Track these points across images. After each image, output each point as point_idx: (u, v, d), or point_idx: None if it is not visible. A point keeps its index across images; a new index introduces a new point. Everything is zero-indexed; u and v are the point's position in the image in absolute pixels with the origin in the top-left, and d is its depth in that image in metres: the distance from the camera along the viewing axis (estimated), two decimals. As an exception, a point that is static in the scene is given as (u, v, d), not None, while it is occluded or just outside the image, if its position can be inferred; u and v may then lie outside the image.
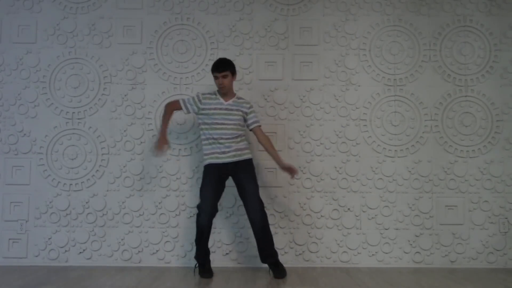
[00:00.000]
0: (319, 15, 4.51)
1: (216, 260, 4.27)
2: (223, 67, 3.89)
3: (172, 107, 3.95)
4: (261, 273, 3.99)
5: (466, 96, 4.45)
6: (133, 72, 4.45)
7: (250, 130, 4.01)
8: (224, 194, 4.33)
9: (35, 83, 4.44)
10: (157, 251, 4.32)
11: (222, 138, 3.86)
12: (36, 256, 4.31)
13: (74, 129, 4.42)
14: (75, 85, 4.45)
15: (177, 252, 4.31)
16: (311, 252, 4.32)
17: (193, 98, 3.93)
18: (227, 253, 4.29)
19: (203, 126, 3.92)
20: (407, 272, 4.10)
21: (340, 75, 4.46)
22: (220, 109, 3.89)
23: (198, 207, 3.88)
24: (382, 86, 4.46)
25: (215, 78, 3.91)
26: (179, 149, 4.40)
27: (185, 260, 4.30)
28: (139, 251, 4.32)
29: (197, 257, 3.93)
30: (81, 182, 4.38)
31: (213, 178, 3.87)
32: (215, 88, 4.04)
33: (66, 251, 4.32)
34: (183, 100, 3.94)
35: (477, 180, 4.38)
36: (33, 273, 3.96)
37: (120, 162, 4.38)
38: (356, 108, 4.44)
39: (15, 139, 4.40)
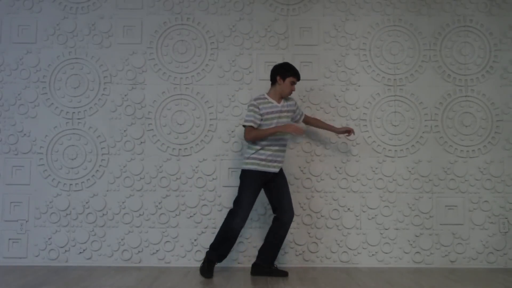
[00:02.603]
0: (319, 15, 4.51)
1: (216, 260, 4.28)
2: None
3: (250, 131, 3.80)
4: (261, 273, 3.99)
5: (466, 96, 4.45)
6: (133, 72, 4.45)
7: (302, 120, 4.17)
8: (224, 194, 4.35)
9: (35, 83, 4.44)
10: (157, 251, 4.32)
11: (278, 146, 3.88)
12: (36, 256, 4.31)
13: (74, 129, 4.42)
14: (75, 85, 4.45)
15: (177, 252, 4.31)
16: (311, 252, 4.32)
17: (252, 111, 3.82)
18: (227, 253, 4.30)
19: None
20: (407, 272, 4.09)
21: (340, 75, 4.46)
22: (276, 112, 3.89)
23: (234, 211, 3.82)
24: (382, 86, 4.46)
25: (292, 83, 3.93)
26: (179, 149, 4.40)
27: (185, 260, 4.30)
28: (139, 251, 4.32)
29: (210, 255, 3.84)
30: (81, 182, 4.38)
31: (257, 186, 3.88)
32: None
33: (66, 251, 4.32)
34: (249, 122, 3.80)
35: (477, 180, 4.38)
36: (33, 273, 3.96)
37: (120, 162, 4.38)
38: (356, 108, 4.44)
39: (15, 139, 4.40)
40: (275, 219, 3.95)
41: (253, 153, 3.86)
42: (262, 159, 3.84)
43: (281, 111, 3.92)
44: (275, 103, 3.92)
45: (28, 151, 4.39)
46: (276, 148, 3.88)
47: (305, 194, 4.37)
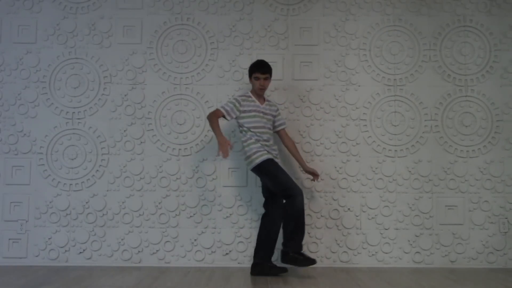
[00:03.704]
0: (319, 15, 4.51)
1: (216, 260, 4.28)
2: (266, 69, 3.96)
3: (216, 115, 3.85)
4: (261, 273, 3.99)
5: (466, 96, 4.45)
6: (133, 72, 4.45)
7: (276, 131, 4.10)
8: (224, 194, 4.35)
9: (35, 83, 4.44)
10: (157, 251, 4.32)
11: (269, 141, 3.92)
12: (36, 256, 4.31)
13: (74, 129, 4.42)
14: (75, 85, 4.45)
15: (177, 252, 4.31)
16: (311, 252, 4.32)
17: (231, 103, 3.87)
18: (227, 253, 4.29)
19: (245, 129, 3.90)
20: (407, 272, 4.09)
21: (340, 75, 4.46)
22: (258, 111, 3.93)
23: (292, 193, 3.73)
24: (382, 86, 4.46)
25: (256, 79, 3.94)
26: (179, 149, 4.40)
27: (185, 260, 4.30)
28: (139, 251, 4.32)
29: (295, 245, 3.75)
30: (81, 182, 4.38)
31: (279, 166, 3.89)
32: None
33: (66, 251, 4.32)
34: (223, 108, 3.86)
35: (477, 180, 4.38)
36: (33, 273, 3.96)
37: (120, 162, 4.38)
38: (356, 108, 4.44)
39: (15, 139, 4.40)
40: (264, 216, 3.97)
41: (255, 148, 3.86)
42: (265, 149, 3.87)
43: (263, 112, 3.95)
44: (257, 102, 3.96)
45: (28, 151, 4.39)
46: (270, 142, 3.95)
47: (305, 194, 4.36)
